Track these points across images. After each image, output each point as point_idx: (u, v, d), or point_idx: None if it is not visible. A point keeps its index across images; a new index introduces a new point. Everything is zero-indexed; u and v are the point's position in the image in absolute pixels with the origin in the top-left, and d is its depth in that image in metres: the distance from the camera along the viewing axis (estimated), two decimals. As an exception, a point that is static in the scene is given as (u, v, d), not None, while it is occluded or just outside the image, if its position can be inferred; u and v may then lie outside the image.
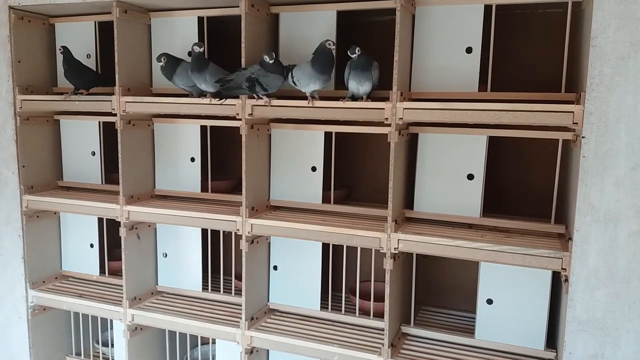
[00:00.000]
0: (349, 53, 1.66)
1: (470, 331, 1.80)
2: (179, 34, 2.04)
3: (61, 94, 2.13)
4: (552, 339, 1.71)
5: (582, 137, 1.42)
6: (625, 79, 1.36)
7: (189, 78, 1.87)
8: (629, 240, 1.41)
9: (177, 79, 1.91)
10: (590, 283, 1.46)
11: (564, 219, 1.67)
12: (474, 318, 1.77)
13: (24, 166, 2.20)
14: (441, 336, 1.83)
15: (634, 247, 1.41)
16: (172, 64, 1.91)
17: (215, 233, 2.15)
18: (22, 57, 2.16)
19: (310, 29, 1.85)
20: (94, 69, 2.18)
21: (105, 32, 2.12)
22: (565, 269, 1.49)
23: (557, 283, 1.67)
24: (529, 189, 1.89)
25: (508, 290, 1.71)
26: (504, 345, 1.73)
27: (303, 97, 1.74)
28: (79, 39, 2.20)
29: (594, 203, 1.43)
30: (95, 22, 2.17)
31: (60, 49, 2.03)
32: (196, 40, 1.99)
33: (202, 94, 1.93)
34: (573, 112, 1.43)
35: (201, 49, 1.80)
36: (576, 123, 1.43)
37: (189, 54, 1.96)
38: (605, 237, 1.43)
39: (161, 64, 1.90)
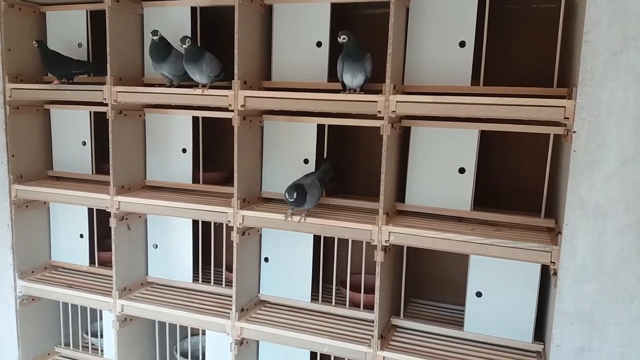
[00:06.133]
0: (338, 39, 1.65)
1: (459, 324, 1.82)
2: (171, 23, 2.02)
3: (52, 82, 2.11)
4: (540, 332, 1.73)
5: (573, 132, 1.43)
6: (616, 75, 1.37)
7: (178, 66, 1.87)
8: (618, 235, 1.43)
9: (167, 66, 1.90)
10: (579, 277, 1.47)
11: (554, 213, 1.68)
12: (463, 311, 1.79)
13: (13, 155, 2.18)
14: (430, 328, 1.84)
15: (622, 241, 1.42)
16: (166, 47, 1.89)
17: (206, 224, 2.15)
18: (12, 45, 2.13)
19: (305, 21, 1.85)
20: (85, 58, 2.17)
21: (97, 21, 2.11)
22: (554, 263, 1.50)
23: (546, 276, 1.68)
24: (519, 183, 1.90)
25: (497, 283, 1.72)
26: (492, 337, 1.74)
27: (297, 89, 1.74)
28: (70, 28, 2.19)
29: (584, 197, 1.44)
30: (87, 11, 2.15)
31: (35, 44, 2.02)
32: (189, 31, 1.98)
33: (182, 84, 1.93)
34: (564, 107, 1.44)
35: (187, 45, 1.79)
36: (567, 118, 1.44)
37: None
38: (594, 232, 1.44)
39: (156, 38, 1.85)
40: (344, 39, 1.66)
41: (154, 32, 1.84)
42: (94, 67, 2.12)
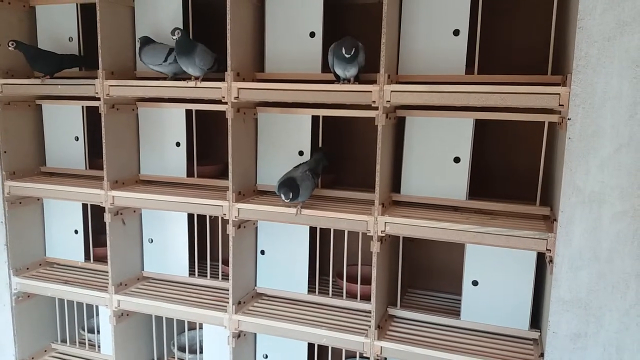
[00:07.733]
0: (343, 53, 1.61)
1: (456, 313, 1.82)
2: (163, 16, 2.00)
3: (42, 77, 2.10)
4: (537, 319, 1.73)
5: (568, 119, 1.43)
6: (611, 61, 1.37)
7: (156, 57, 1.86)
8: (613, 221, 1.43)
9: (146, 58, 1.90)
10: (575, 263, 1.47)
11: (549, 201, 1.68)
12: (460, 300, 1.79)
13: (5, 152, 2.16)
14: (427, 318, 1.85)
15: (618, 227, 1.43)
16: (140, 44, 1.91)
17: (201, 218, 2.14)
18: (2, 40, 2.11)
19: (298, 11, 1.84)
20: (77, 52, 2.14)
21: (87, 14, 2.08)
22: (550, 250, 1.50)
23: (542, 264, 1.69)
24: (514, 171, 1.90)
25: (493, 271, 1.72)
26: (489, 325, 1.75)
27: (290, 80, 1.72)
28: (60, 22, 2.16)
29: (579, 184, 1.44)
30: (77, 5, 2.12)
31: (12, 44, 1.98)
32: (181, 22, 1.96)
33: (176, 76, 1.91)
34: (559, 94, 1.43)
35: (179, 37, 1.77)
36: (562, 105, 1.44)
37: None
38: (590, 218, 1.44)
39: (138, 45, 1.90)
40: (353, 52, 1.60)
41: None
42: (82, 61, 2.10)
